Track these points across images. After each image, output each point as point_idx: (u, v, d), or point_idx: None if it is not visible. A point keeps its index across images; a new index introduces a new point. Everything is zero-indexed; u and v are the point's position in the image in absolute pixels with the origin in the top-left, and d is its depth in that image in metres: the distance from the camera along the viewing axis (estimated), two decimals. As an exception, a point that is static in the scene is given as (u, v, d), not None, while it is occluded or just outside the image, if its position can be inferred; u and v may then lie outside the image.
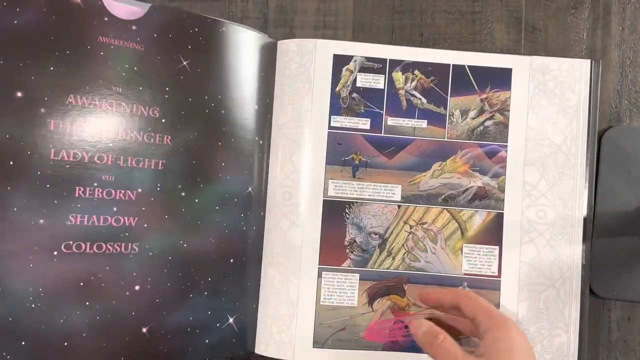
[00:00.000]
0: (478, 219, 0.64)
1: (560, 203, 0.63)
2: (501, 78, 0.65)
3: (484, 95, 0.64)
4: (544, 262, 0.63)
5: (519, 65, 0.65)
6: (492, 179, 0.64)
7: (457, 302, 0.54)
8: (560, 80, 0.64)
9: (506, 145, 0.64)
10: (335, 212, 0.63)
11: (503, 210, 0.64)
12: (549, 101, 0.64)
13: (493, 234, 0.64)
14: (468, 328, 0.56)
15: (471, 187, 0.64)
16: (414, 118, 0.64)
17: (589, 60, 0.64)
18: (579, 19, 0.67)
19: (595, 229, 0.64)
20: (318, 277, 0.63)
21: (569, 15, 0.68)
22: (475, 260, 0.63)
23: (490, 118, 0.64)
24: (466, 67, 0.65)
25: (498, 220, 0.63)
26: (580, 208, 0.63)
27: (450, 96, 0.64)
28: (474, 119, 0.64)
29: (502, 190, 0.64)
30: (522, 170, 0.64)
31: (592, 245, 0.64)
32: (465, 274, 0.63)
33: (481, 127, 0.64)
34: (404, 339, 0.62)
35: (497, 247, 0.63)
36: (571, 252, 0.63)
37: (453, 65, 0.65)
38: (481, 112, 0.64)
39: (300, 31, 0.68)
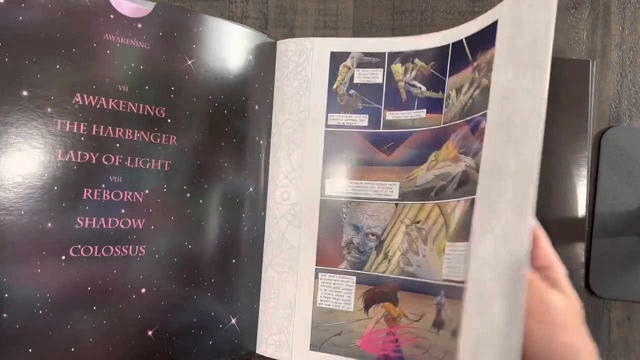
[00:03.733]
0: (457, 211, 0.53)
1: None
2: (488, 35, 0.54)
3: (475, 64, 0.56)
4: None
5: (506, 14, 0.51)
6: (472, 158, 0.52)
7: None
8: None
9: (486, 113, 0.51)
10: (332, 212, 0.63)
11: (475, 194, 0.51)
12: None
13: (469, 227, 0.50)
14: None
15: (457, 173, 0.55)
16: (414, 109, 0.61)
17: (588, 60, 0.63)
18: (579, 19, 0.68)
19: (595, 228, 0.65)
20: (315, 278, 0.62)
21: (569, 15, 0.68)
22: (455, 262, 0.53)
23: (477, 87, 0.55)
24: (463, 40, 0.58)
25: (472, 209, 0.51)
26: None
27: (449, 77, 0.59)
28: (465, 94, 0.58)
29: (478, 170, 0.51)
30: (497, 135, 0.49)
31: (591, 245, 0.65)
32: (444, 280, 0.54)
33: (470, 101, 0.56)
34: (396, 355, 0.59)
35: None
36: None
37: (452, 44, 0.59)
38: (472, 83, 0.56)
39: (301, 31, 0.67)
